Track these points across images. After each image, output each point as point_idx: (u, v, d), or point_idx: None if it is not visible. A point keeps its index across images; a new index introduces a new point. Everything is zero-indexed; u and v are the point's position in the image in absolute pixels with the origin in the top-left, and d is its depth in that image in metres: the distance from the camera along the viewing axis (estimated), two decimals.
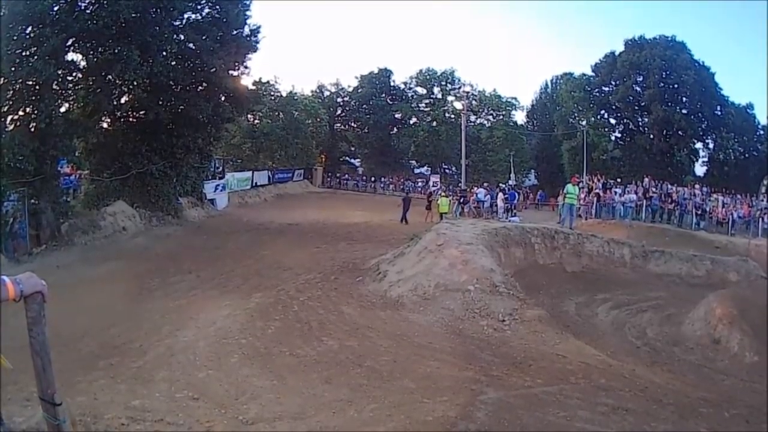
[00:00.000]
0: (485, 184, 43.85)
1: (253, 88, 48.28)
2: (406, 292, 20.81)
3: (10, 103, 24.46)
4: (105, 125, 30.37)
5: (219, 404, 12.52)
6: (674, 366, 18.95)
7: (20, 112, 24.75)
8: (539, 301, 22.34)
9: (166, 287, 19.99)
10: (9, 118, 24.72)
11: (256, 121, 61.75)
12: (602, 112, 53.72)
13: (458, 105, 58.84)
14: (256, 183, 47.90)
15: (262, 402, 12.93)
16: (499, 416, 13.46)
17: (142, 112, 29.81)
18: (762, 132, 50.41)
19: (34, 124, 24.02)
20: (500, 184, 44.51)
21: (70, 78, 27.50)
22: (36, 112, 24.38)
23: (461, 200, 41.06)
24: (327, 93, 78.03)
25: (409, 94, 71.53)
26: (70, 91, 27.52)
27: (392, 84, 73.22)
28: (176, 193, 29.92)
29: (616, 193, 36.99)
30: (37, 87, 24.60)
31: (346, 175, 68.68)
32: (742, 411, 15.16)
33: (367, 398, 13.90)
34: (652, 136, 49.51)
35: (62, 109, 26.66)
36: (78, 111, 28.01)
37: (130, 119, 30.78)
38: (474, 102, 63.05)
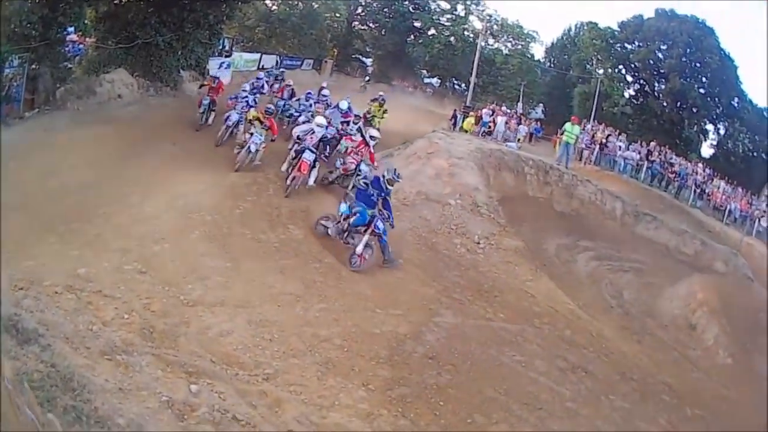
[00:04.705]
0: (492, 106, 42.08)
1: None
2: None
3: None
4: None
5: (164, 281, 12.50)
6: (645, 339, 18.36)
7: None
8: (520, 232, 21.65)
9: (147, 156, 18.77)
10: None
11: (274, 7, 59.58)
12: (620, 66, 51.94)
13: (478, 25, 57.22)
14: (262, 66, 46.02)
15: (209, 284, 13.01)
16: (451, 344, 13.43)
17: None
18: None
19: None
20: (505, 109, 42.88)
21: None
22: None
23: (465, 116, 38.63)
24: None
25: (432, 6, 69.90)
26: None
27: None
28: (179, 66, 28.42)
29: (619, 147, 36.03)
30: None
31: (357, 73, 67.00)
32: (705, 415, 14.76)
33: (318, 296, 13.96)
34: (665, 104, 47.91)
35: None
36: None
37: None
38: (495, 26, 61.67)
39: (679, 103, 48.21)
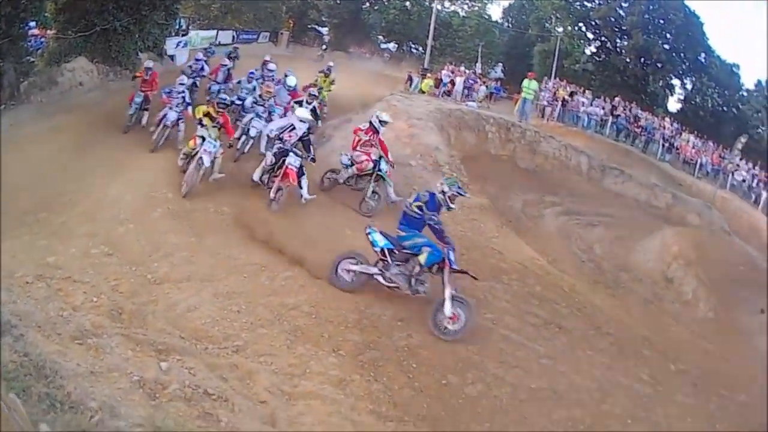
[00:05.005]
0: (450, 67, 41.75)
1: None
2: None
3: None
4: None
5: (131, 261, 12.56)
6: (619, 292, 17.96)
7: None
8: (484, 190, 21.39)
9: (108, 141, 18.44)
10: None
11: None
12: (580, 24, 51.59)
13: None
14: (219, 42, 45.53)
15: (175, 260, 13.06)
16: (418, 305, 13.04)
17: None
18: (745, 94, 48.54)
19: None
20: (464, 69, 42.34)
21: None
22: None
23: (423, 78, 37.81)
24: None
25: None
26: None
27: None
28: (137, 48, 28.15)
29: (583, 103, 35.66)
30: None
31: (314, 43, 66.73)
32: (690, 370, 14.32)
33: (283, 265, 13.82)
34: (628, 60, 47.57)
35: None
36: None
37: None
38: None
39: (642, 59, 48.10)
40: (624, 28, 50.09)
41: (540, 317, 14.08)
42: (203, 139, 16.16)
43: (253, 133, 19.26)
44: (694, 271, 19.65)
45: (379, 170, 17.62)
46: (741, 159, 33.43)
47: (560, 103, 35.11)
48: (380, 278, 13.06)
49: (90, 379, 7.82)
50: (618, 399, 12.13)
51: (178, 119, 18.91)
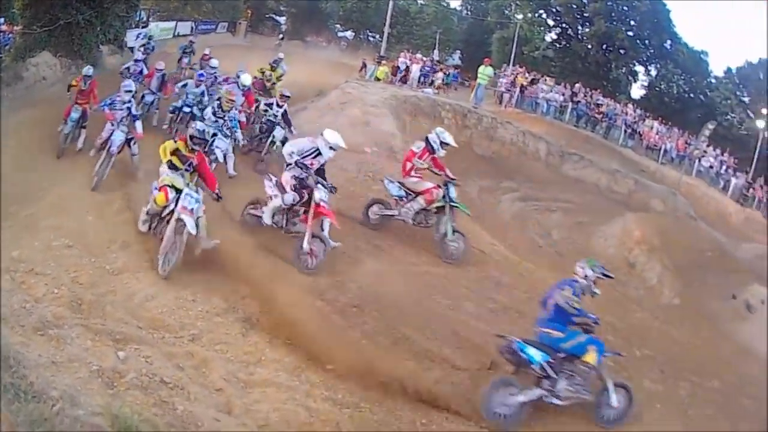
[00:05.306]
0: (406, 54, 42.12)
1: None
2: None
3: None
4: None
5: (90, 253, 12.45)
6: None
7: None
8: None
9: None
10: None
11: None
12: (540, 11, 51.50)
13: None
14: (178, 33, 45.49)
15: (132, 251, 12.91)
16: (374, 291, 13.06)
17: None
18: (713, 81, 48.68)
19: None
20: (420, 56, 42.31)
21: None
22: None
23: (378, 65, 37.94)
24: None
25: None
26: None
27: None
28: (98, 41, 28.05)
29: (542, 89, 35.62)
30: None
31: (272, 32, 66.74)
32: (656, 356, 14.14)
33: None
34: (590, 46, 47.39)
35: None
36: None
37: None
38: None
39: (605, 46, 48.20)
40: (586, 14, 50.06)
41: (498, 302, 13.99)
42: (178, 190, 12.19)
43: (219, 156, 16.00)
44: (658, 256, 19.47)
45: (452, 200, 15.11)
46: (709, 145, 33.35)
47: (519, 89, 34.98)
48: (555, 400, 10.73)
49: (51, 369, 7.92)
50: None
51: (128, 140, 15.50)
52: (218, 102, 17.58)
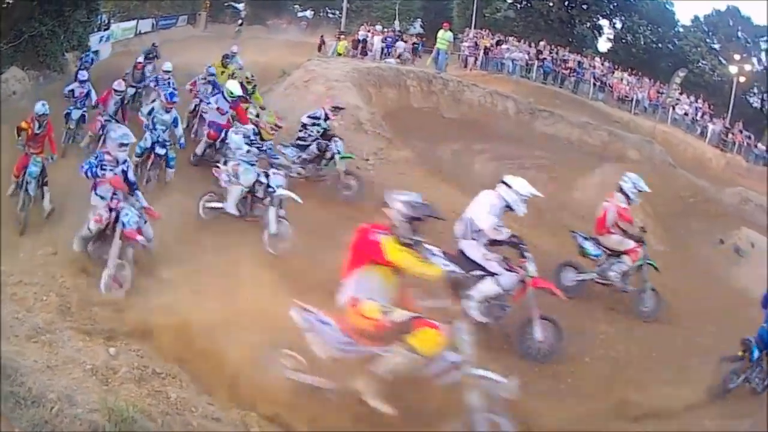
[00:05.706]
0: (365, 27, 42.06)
1: None
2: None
3: None
4: None
5: (74, 256, 12.09)
6: (560, 231, 16.90)
7: None
8: (409, 144, 21.91)
9: None
10: None
11: None
12: None
13: None
14: (140, 31, 45.26)
15: None
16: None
17: None
18: (681, 29, 48.57)
19: None
20: (379, 28, 42.21)
21: None
22: None
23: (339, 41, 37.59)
24: None
25: None
26: None
27: None
28: (63, 49, 28.15)
29: (507, 49, 35.51)
30: None
31: (232, 20, 66.65)
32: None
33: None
34: (551, 4, 46.87)
35: None
36: None
37: None
38: None
39: (566, 2, 47.47)
40: None
41: None
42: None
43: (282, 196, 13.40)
44: (640, 204, 17.92)
45: (649, 259, 13.53)
46: (681, 93, 33.42)
47: (482, 51, 34.98)
48: None
49: (47, 373, 7.97)
50: (572, 338, 11.41)
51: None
52: (254, 129, 14.98)
